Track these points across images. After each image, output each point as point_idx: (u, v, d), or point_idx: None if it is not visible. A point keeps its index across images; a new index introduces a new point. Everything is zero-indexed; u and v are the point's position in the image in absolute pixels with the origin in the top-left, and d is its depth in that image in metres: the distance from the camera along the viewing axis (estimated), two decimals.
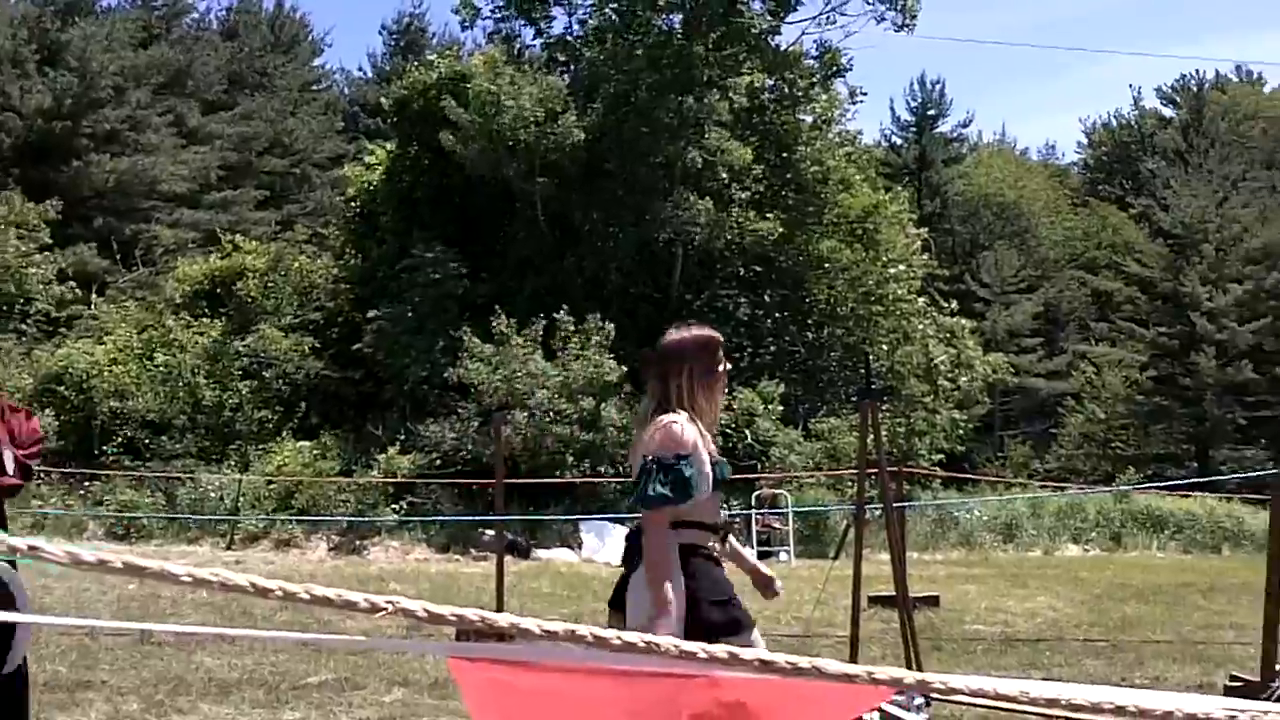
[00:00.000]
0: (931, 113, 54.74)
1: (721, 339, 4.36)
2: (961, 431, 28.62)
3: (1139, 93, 60.43)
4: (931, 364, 28.14)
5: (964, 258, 49.55)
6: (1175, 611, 12.24)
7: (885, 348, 27.69)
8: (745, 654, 1.39)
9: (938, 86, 54.81)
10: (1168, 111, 57.56)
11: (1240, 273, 42.01)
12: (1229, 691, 7.24)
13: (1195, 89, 55.79)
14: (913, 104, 54.74)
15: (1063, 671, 8.61)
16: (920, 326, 28.58)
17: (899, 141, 54.74)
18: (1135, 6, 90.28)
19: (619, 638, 1.37)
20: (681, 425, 4.08)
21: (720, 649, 1.38)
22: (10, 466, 3.61)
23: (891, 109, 62.20)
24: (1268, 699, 6.15)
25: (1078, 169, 63.18)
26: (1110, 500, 24.06)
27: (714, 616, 4.00)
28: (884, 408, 26.22)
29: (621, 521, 19.44)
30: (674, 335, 4.32)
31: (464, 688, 1.91)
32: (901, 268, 28.61)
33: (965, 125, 57.89)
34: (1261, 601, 7.66)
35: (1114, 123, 60.32)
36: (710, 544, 4.17)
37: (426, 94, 26.31)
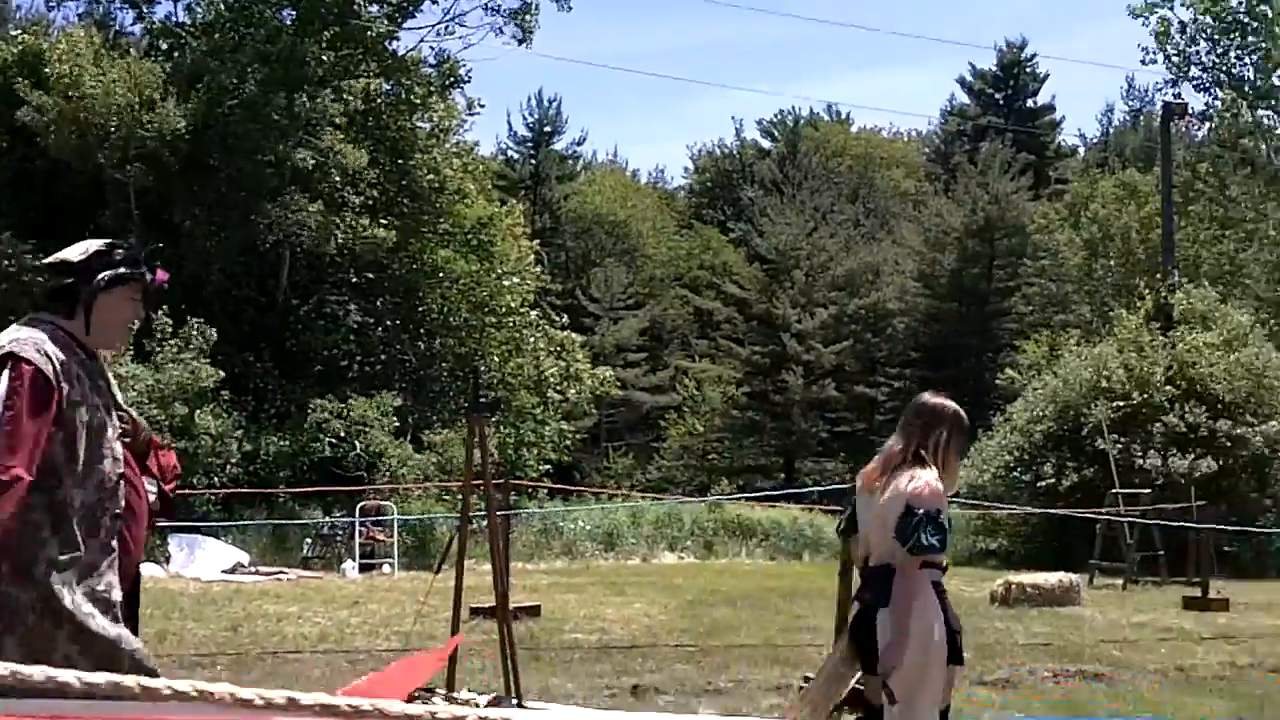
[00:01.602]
0: (548, 129, 55.74)
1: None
2: (569, 443, 29.23)
3: (741, 125, 63.92)
4: (542, 376, 28.59)
5: (576, 273, 50.67)
6: (760, 616, 12.88)
7: (497, 359, 27.89)
8: (305, 699, 1.28)
9: (555, 104, 55.91)
10: (766, 144, 61.13)
11: (826, 298, 45.15)
12: (801, 690, 7.67)
13: (791, 124, 59.58)
14: (530, 120, 55.56)
15: (654, 677, 8.87)
16: (532, 339, 28.97)
17: (515, 156, 55.41)
18: (740, 44, 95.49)
19: (260, 697, 1.22)
20: (937, 482, 4.63)
21: (280, 695, 1.27)
22: (152, 499, 3.66)
23: (509, 123, 62.84)
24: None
25: (684, 193, 66.00)
26: (704, 509, 25.19)
27: (958, 643, 4.70)
28: (493, 419, 26.47)
29: (215, 535, 18.57)
30: (939, 400, 4.92)
31: None
32: (515, 280, 28.91)
33: (580, 144, 59.36)
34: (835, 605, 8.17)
35: (718, 151, 63.45)
36: (941, 580, 4.76)
37: (5, 72, 24.29)
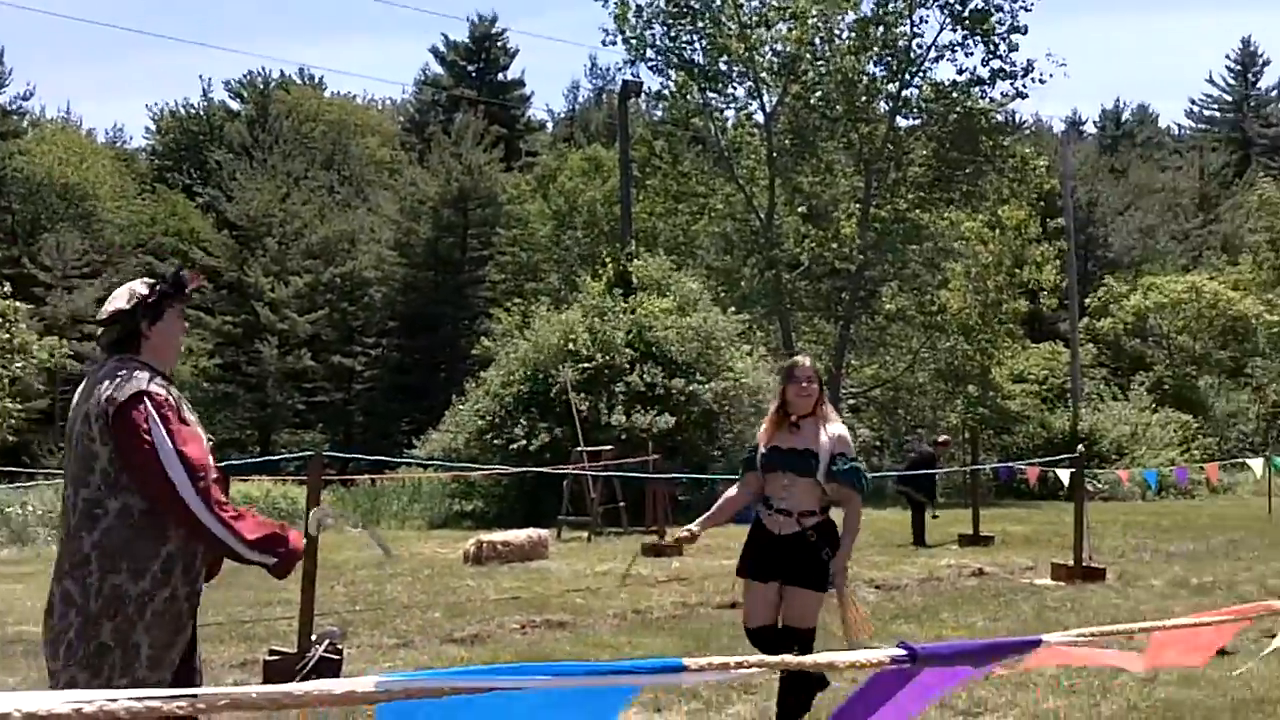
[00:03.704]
0: None
1: None
2: (14, 421, 26.84)
3: (209, 84, 61.27)
4: None
5: (25, 239, 46.61)
6: (229, 593, 12.36)
7: None
8: None
9: None
10: (236, 105, 58.86)
11: (301, 266, 44.22)
12: (268, 666, 7.42)
13: (262, 87, 57.70)
14: None
15: None
16: None
17: None
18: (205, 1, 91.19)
19: None
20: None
21: None
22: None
23: None
24: (302, 669, 6.38)
25: (146, 155, 62.35)
26: None
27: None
28: None
29: None
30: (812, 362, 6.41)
31: None
32: None
33: (26, 99, 54.66)
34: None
35: (183, 111, 60.40)
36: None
37: None
